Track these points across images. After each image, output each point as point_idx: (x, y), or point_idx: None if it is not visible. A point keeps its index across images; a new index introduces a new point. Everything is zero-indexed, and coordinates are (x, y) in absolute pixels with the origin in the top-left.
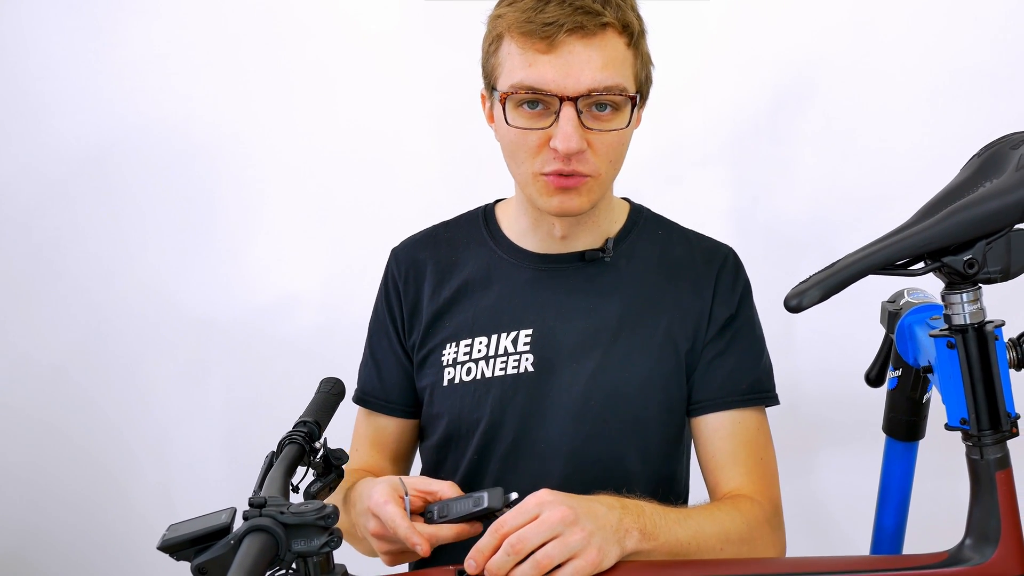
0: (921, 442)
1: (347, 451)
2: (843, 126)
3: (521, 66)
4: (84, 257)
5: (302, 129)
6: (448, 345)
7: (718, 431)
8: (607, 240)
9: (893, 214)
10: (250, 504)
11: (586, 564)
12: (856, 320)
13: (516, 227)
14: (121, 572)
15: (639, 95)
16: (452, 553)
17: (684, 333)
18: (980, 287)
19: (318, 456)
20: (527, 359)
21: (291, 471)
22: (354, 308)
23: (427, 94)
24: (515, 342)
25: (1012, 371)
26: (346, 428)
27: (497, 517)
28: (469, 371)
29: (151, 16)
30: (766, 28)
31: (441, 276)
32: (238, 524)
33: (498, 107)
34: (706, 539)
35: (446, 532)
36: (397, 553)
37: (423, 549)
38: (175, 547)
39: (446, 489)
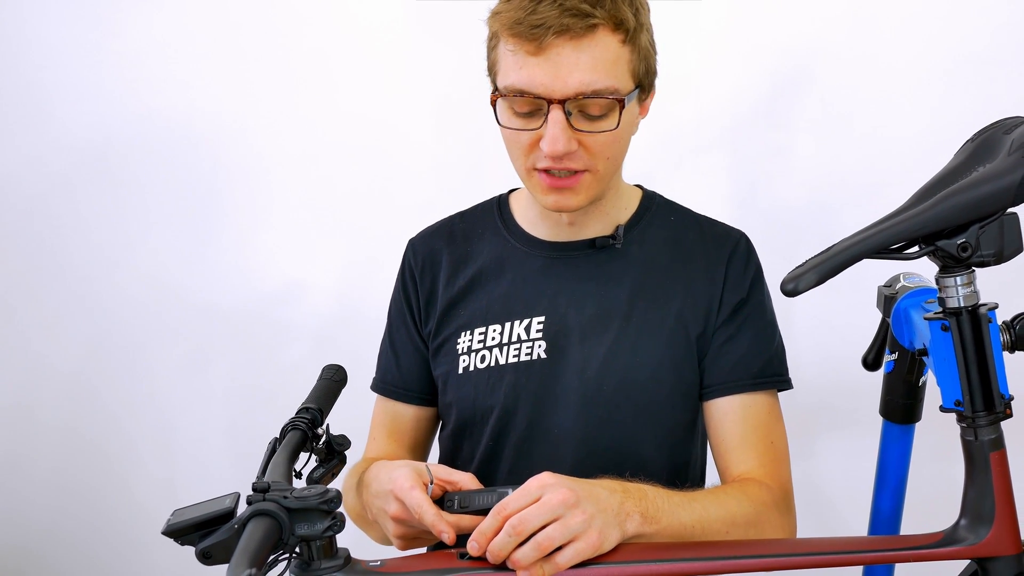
0: (917, 425)
1: (349, 438)
2: (840, 113)
3: (513, 68)
4: (87, 247)
5: (305, 118)
6: (463, 333)
7: (728, 415)
8: (617, 227)
9: (889, 199)
10: (253, 489)
11: (586, 546)
12: (853, 305)
13: (527, 216)
14: (124, 559)
15: (639, 88)
16: (459, 543)
17: (695, 318)
18: (974, 270)
19: (321, 442)
20: (540, 346)
21: (294, 457)
22: (358, 296)
23: (430, 82)
24: (528, 329)
25: (1005, 353)
26: (350, 416)
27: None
28: (483, 359)
29: (153, 6)
30: (765, 16)
31: (456, 266)
32: (242, 509)
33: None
34: (711, 522)
35: (467, 523)
36: (412, 538)
37: (449, 537)
38: (179, 532)
39: (467, 481)
